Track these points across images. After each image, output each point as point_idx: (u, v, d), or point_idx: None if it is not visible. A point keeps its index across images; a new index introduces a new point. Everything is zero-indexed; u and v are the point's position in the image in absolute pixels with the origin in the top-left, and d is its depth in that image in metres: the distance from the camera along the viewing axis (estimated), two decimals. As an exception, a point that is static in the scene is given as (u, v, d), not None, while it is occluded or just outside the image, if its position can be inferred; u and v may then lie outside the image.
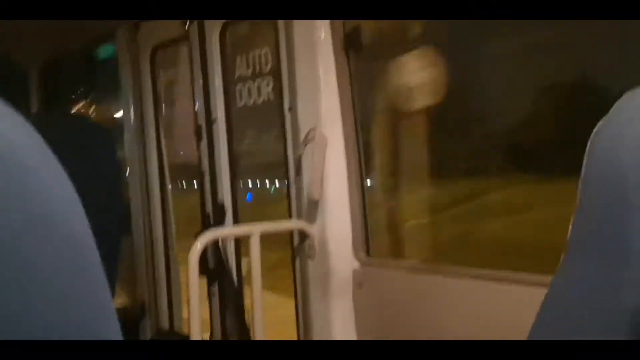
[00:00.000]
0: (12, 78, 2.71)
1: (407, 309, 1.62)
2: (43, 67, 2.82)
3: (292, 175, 1.81)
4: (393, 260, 1.67)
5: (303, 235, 1.76)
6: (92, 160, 2.25)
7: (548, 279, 0.46)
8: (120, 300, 2.36)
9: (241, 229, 1.88)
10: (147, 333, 2.31)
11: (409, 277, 1.63)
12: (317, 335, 1.74)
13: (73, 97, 2.77)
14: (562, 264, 0.45)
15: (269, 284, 2.00)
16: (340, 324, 1.68)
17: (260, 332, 1.66)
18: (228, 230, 1.92)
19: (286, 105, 1.78)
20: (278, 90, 1.85)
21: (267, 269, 1.92)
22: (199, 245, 1.51)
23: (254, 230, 1.61)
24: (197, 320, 1.52)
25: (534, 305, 0.46)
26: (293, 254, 1.82)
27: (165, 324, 2.34)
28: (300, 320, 1.82)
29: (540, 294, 0.45)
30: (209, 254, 2.00)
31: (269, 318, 1.79)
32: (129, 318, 2.31)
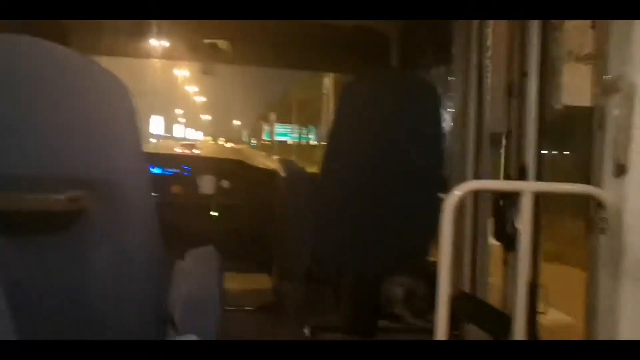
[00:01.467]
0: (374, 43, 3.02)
1: None
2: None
3: (595, 131, 1.52)
4: None
5: (598, 205, 1.47)
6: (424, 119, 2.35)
7: None
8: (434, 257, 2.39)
9: (510, 184, 1.68)
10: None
11: None
12: (602, 324, 1.45)
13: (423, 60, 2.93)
14: None
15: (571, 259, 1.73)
16: (630, 314, 1.36)
17: (522, 308, 1.48)
18: (494, 183, 1.73)
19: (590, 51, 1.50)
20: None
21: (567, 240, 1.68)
22: (456, 193, 1.41)
23: (526, 187, 1.42)
24: (445, 281, 1.44)
25: None
26: (587, 226, 1.55)
27: (466, 287, 2.28)
28: (588, 305, 1.54)
29: None
30: (509, 217, 1.86)
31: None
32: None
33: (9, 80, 0.98)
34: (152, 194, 1.22)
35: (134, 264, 1.09)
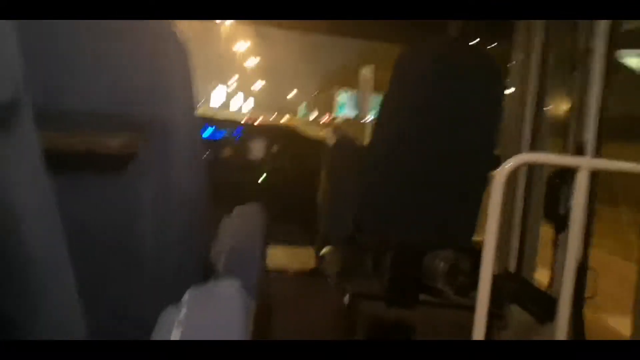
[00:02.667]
0: None
1: None
2: None
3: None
4: None
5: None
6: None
7: None
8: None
9: (566, 159, 1.61)
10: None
11: None
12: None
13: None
14: None
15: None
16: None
17: (568, 291, 1.43)
18: (548, 157, 1.66)
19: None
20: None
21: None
22: (508, 165, 1.37)
23: (583, 163, 1.36)
24: (490, 257, 1.41)
25: None
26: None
27: (512, 267, 2.23)
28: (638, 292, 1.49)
29: None
30: (562, 198, 1.80)
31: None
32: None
33: (67, 25, 1.00)
34: (202, 146, 1.23)
35: (180, 208, 1.11)
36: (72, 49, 0.99)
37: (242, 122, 3.49)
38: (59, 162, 0.97)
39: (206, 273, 1.29)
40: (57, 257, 0.63)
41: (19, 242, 0.55)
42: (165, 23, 1.06)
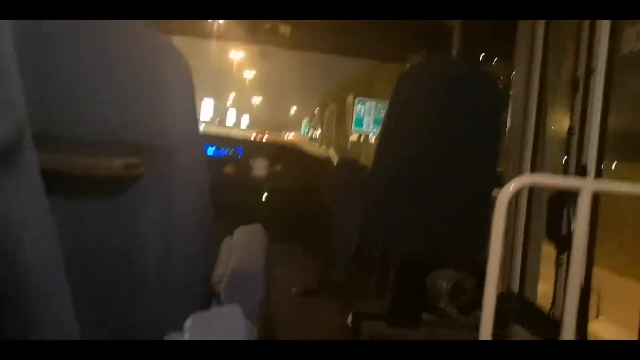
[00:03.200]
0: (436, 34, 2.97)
1: None
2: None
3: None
4: None
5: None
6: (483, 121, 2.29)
7: None
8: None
9: (569, 181, 1.61)
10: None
11: None
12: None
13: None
14: None
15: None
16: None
17: (572, 313, 1.42)
18: (551, 178, 1.66)
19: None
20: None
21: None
22: (511, 187, 1.37)
23: (586, 185, 1.36)
24: (493, 277, 1.40)
25: None
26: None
27: (515, 286, 2.22)
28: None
29: None
30: (564, 218, 1.80)
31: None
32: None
33: (73, 48, 1.00)
34: (205, 168, 1.23)
35: (181, 232, 1.10)
36: (72, 75, 0.99)
37: (252, 138, 3.49)
38: (61, 184, 0.97)
39: (208, 295, 1.28)
40: (54, 283, 0.64)
41: (16, 268, 0.55)
42: (166, 41, 1.07)
